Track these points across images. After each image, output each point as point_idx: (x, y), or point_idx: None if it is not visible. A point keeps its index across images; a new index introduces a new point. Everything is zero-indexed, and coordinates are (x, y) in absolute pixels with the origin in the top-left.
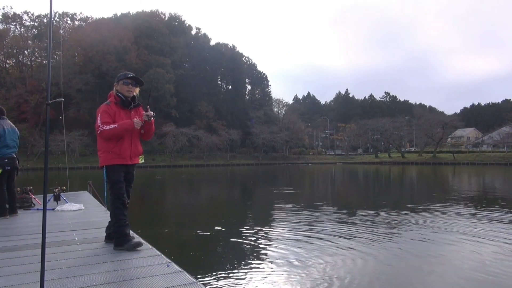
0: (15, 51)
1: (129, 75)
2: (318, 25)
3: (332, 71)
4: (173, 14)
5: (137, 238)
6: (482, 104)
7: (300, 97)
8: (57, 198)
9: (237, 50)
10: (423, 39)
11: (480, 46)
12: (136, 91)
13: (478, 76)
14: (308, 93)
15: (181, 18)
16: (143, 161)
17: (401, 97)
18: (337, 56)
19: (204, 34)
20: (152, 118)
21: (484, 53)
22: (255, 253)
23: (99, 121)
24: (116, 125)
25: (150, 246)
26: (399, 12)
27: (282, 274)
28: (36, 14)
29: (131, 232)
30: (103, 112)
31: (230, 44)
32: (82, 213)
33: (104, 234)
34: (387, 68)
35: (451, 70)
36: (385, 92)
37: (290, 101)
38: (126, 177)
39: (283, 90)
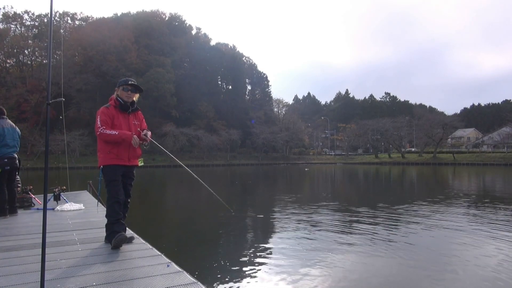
0: (15, 50)
1: (129, 82)
2: (326, 20)
3: (336, 70)
4: (173, 14)
5: (130, 235)
6: (482, 105)
7: (300, 97)
8: (57, 198)
9: (237, 50)
10: (436, 33)
11: (493, 42)
12: (136, 97)
13: (489, 73)
14: (308, 93)
15: (182, 18)
16: (142, 164)
17: (402, 97)
18: (343, 52)
19: (205, 34)
20: (146, 141)
21: (496, 49)
22: (256, 253)
23: (98, 123)
24: (116, 133)
25: (150, 246)
26: (417, 3)
27: (283, 274)
28: (36, 13)
29: (130, 231)
30: (102, 114)
31: (231, 44)
32: (82, 213)
33: (104, 234)
34: (393, 64)
35: (461, 65)
36: (385, 93)
37: (290, 101)
38: (126, 176)
39: (283, 90)
